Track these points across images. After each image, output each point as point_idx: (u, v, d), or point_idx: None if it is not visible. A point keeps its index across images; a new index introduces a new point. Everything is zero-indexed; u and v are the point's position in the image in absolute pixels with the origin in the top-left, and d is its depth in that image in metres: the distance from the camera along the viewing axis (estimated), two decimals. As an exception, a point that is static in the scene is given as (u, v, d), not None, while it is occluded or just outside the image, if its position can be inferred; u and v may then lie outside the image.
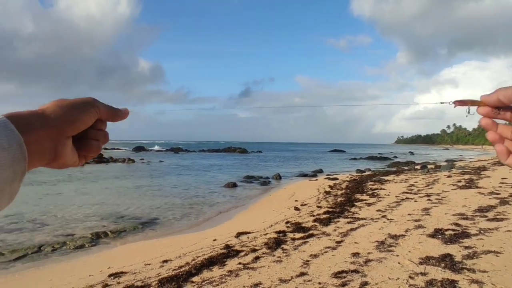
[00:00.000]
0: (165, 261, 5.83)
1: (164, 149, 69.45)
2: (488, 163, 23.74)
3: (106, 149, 62.22)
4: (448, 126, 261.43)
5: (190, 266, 5.27)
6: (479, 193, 10.23)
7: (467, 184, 12.42)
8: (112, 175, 23.55)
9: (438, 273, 4.26)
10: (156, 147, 78.20)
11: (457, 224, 6.55)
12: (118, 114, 0.65)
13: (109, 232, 8.70)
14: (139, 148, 69.26)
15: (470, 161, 32.69)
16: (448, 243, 5.45)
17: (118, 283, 4.98)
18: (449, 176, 16.10)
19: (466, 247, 5.15)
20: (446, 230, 6.17)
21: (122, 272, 5.43)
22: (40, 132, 0.52)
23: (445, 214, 7.67)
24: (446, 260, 4.65)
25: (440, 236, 5.83)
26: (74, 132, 0.57)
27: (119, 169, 28.71)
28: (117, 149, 70.04)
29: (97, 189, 16.57)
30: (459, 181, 13.54)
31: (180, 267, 5.36)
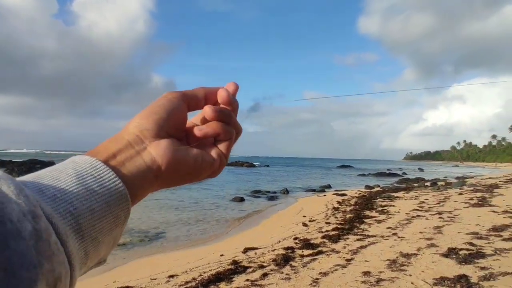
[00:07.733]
0: (172, 276, 5.73)
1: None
2: (500, 181, 23.30)
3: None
4: (458, 143, 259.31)
5: (197, 282, 5.17)
6: (493, 211, 9.99)
7: (479, 202, 12.16)
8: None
9: (454, 295, 4.10)
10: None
11: (471, 244, 6.37)
12: (211, 92, 0.50)
13: (115, 245, 8.63)
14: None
15: (482, 179, 32.15)
16: (463, 263, 5.28)
17: (124, 298, 4.89)
18: (460, 194, 15.80)
19: (482, 268, 4.98)
20: (460, 249, 5.99)
21: (128, 287, 5.35)
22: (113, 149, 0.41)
23: (458, 232, 7.47)
24: (462, 281, 4.49)
25: (454, 256, 5.66)
26: (155, 126, 0.44)
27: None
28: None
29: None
30: (471, 199, 13.27)
31: (187, 282, 5.26)
